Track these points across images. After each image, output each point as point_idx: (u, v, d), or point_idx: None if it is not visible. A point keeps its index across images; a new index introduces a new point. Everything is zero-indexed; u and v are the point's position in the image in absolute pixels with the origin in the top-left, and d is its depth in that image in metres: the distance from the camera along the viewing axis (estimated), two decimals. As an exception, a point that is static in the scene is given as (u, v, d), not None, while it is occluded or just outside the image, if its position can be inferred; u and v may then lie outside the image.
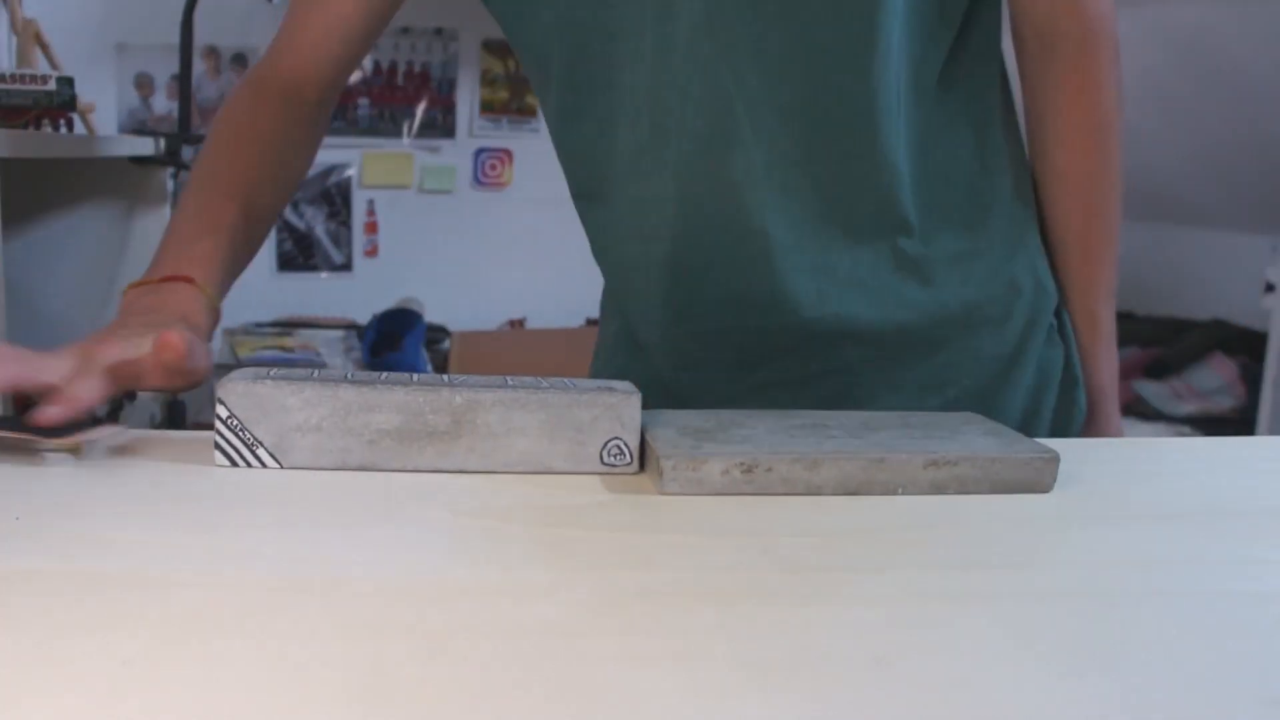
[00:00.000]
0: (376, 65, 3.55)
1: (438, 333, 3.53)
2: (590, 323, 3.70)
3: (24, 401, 0.61)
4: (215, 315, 0.72)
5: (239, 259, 0.78)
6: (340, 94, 0.91)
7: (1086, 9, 0.78)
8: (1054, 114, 0.81)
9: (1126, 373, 2.77)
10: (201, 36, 3.21)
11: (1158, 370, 3.06)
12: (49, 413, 0.58)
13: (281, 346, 3.32)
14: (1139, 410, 2.91)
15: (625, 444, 0.60)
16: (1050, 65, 0.80)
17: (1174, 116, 2.76)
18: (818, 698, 0.35)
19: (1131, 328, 3.10)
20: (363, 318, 3.51)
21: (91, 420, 0.61)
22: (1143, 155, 2.93)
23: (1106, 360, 0.86)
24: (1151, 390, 2.98)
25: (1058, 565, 0.49)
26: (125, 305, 0.69)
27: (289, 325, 3.48)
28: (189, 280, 0.71)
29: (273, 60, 0.87)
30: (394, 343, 3.33)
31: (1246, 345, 3.00)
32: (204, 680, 0.34)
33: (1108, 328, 0.86)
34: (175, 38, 2.71)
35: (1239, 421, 2.83)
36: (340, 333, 3.44)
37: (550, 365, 2.69)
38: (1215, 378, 2.98)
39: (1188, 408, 2.92)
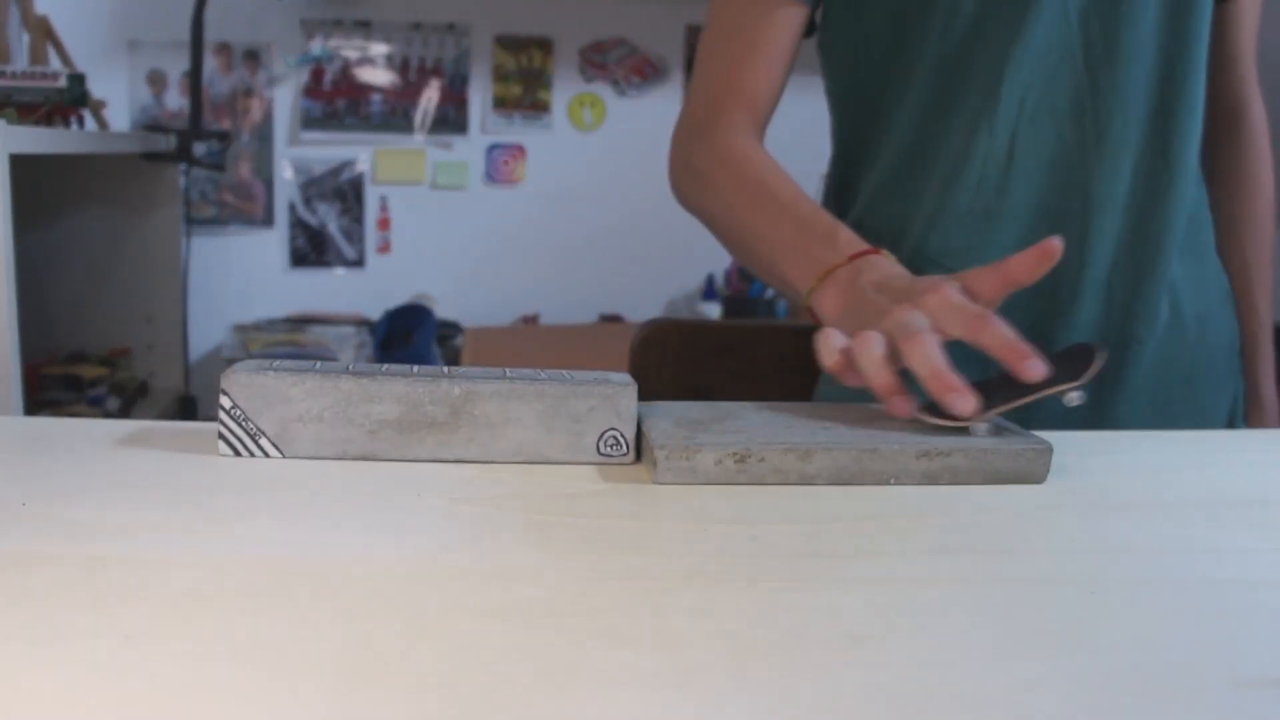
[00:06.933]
0: (388, 61, 3.56)
1: (450, 329, 3.54)
2: (604, 318, 3.71)
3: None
4: None
5: None
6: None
7: (1258, 96, 1.00)
8: (1243, 166, 1.00)
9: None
10: (213, 33, 3.23)
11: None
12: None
13: (294, 342, 3.34)
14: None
15: (621, 435, 0.61)
16: (1239, 130, 1.00)
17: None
18: (793, 676, 0.36)
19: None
20: (375, 314, 3.53)
21: None
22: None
23: (1264, 351, 0.99)
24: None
25: (1044, 552, 0.49)
26: (870, 282, 0.72)
27: (301, 321, 3.50)
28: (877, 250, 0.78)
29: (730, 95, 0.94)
30: (406, 339, 3.35)
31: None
32: (201, 655, 0.35)
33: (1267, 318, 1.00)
34: (187, 34, 2.73)
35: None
36: (352, 329, 3.46)
37: (563, 362, 2.68)
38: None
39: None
